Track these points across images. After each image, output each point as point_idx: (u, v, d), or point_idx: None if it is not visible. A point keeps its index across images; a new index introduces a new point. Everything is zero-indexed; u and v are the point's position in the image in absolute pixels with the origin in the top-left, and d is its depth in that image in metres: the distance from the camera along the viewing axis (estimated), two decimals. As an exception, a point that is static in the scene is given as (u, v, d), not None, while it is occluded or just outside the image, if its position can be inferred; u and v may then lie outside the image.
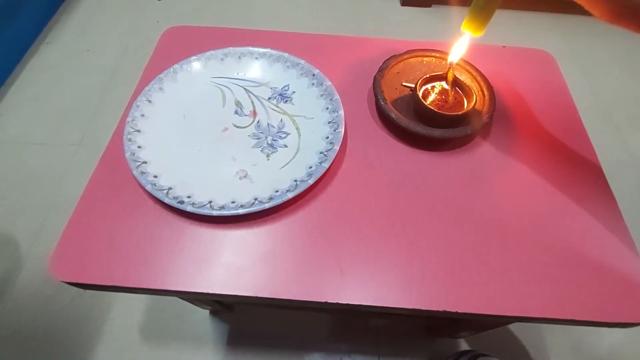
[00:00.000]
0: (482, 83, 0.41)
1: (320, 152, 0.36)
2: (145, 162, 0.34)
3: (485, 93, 0.40)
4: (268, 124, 0.39)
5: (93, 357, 0.74)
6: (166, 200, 0.32)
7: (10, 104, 1.12)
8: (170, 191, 0.33)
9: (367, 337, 0.75)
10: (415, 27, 1.33)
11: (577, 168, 0.38)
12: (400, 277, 0.31)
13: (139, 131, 0.37)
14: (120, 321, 0.77)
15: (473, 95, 0.38)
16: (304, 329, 0.76)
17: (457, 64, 0.40)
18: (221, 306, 0.70)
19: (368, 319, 0.76)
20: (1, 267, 0.83)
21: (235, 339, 0.76)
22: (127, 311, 0.78)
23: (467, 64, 0.42)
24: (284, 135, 0.38)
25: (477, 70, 0.42)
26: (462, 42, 0.38)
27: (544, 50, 0.48)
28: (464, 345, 0.75)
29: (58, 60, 1.23)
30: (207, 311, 0.78)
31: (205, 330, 0.76)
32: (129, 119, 0.37)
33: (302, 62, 0.42)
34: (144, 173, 0.33)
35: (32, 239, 0.87)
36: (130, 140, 0.35)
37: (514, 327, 0.76)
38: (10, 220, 0.90)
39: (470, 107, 0.37)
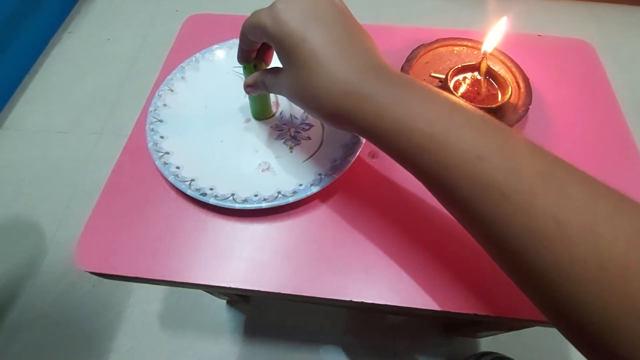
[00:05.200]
0: (517, 74, 0.39)
1: (345, 145, 0.34)
2: (167, 153, 0.34)
3: (521, 85, 0.38)
4: (291, 115, 0.38)
5: (113, 342, 0.76)
6: (189, 192, 0.31)
7: (34, 92, 1.15)
8: (192, 183, 0.32)
9: (383, 332, 0.74)
10: (439, 16, 1.29)
11: (618, 168, 0.35)
12: (428, 278, 0.29)
13: (161, 121, 0.36)
14: (139, 308, 0.79)
15: (508, 87, 0.36)
16: (320, 322, 0.76)
17: (490, 53, 0.38)
18: (238, 297, 0.70)
19: (385, 315, 0.75)
20: (26, 253, 0.85)
21: (251, 330, 0.76)
22: (146, 299, 0.80)
23: (500, 53, 0.40)
24: (307, 127, 0.37)
25: (511, 60, 0.40)
26: (496, 30, 0.36)
27: (583, 40, 0.45)
28: (482, 346, 0.73)
29: (80, 49, 1.25)
30: (224, 301, 0.78)
31: (222, 319, 0.77)
32: (151, 108, 0.37)
33: (327, 51, 0.40)
34: (167, 164, 0.33)
35: (55, 226, 0.89)
36: (152, 130, 0.35)
37: (536, 328, 0.74)
38: (35, 207, 0.92)
39: (505, 99, 0.35)
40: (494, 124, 0.21)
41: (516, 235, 0.18)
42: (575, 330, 0.18)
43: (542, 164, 0.19)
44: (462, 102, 0.22)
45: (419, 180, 0.23)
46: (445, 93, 0.22)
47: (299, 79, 0.24)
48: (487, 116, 0.21)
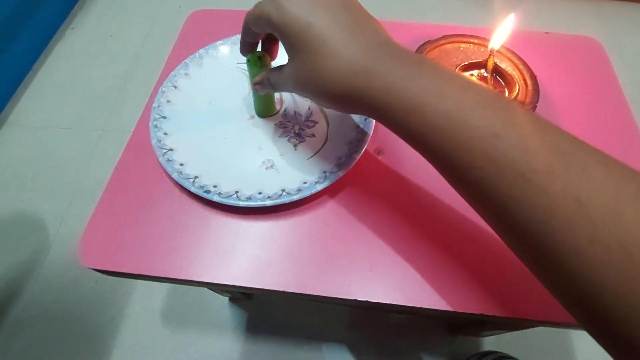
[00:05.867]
0: (524, 71, 0.38)
1: (350, 143, 0.34)
2: (171, 150, 0.34)
3: (528, 82, 0.37)
4: (295, 112, 0.38)
5: (116, 339, 0.76)
6: (192, 189, 0.31)
7: (37, 89, 1.15)
8: (196, 180, 0.32)
9: (387, 330, 0.74)
10: (444, 12, 1.27)
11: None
12: (434, 277, 0.29)
13: (164, 117, 0.36)
14: (141, 305, 0.79)
15: (515, 84, 0.36)
16: (323, 320, 0.76)
17: (497, 50, 0.37)
18: (241, 294, 0.70)
19: (388, 313, 0.75)
20: (29, 249, 0.85)
21: (253, 326, 0.76)
22: (149, 295, 0.80)
23: (507, 50, 0.39)
24: (312, 124, 0.37)
25: (518, 57, 0.39)
26: (504, 27, 0.36)
27: (591, 37, 0.45)
28: (486, 345, 0.73)
29: (83, 45, 1.25)
30: (226, 298, 0.78)
31: (224, 316, 0.77)
32: (154, 104, 0.36)
33: (331, 47, 0.40)
34: (171, 161, 0.33)
35: (58, 222, 0.89)
36: (156, 126, 0.35)
37: (540, 327, 0.73)
38: (38, 203, 0.92)
39: (512, 97, 0.35)
40: (509, 102, 0.20)
41: (534, 217, 0.18)
42: (594, 317, 0.18)
43: (560, 143, 0.18)
44: (473, 79, 0.21)
45: (431, 162, 0.22)
46: (455, 71, 0.22)
47: (305, 64, 0.24)
48: (501, 94, 0.21)
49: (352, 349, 0.73)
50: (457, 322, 0.71)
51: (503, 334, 0.69)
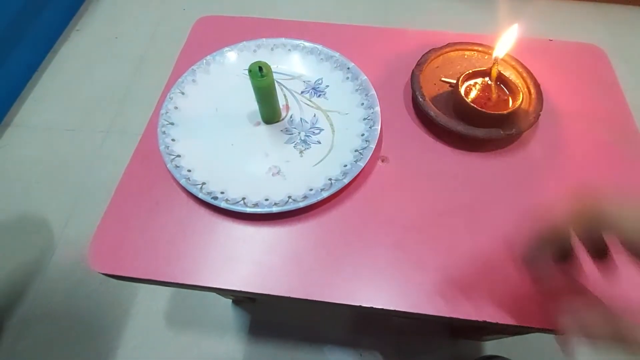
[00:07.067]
0: (528, 80, 0.38)
1: (356, 150, 0.35)
2: (179, 156, 0.34)
3: (532, 90, 0.38)
4: (301, 119, 0.38)
5: (120, 339, 0.76)
6: (200, 196, 0.32)
7: (42, 90, 1.16)
8: (204, 186, 0.32)
9: (389, 333, 0.74)
10: (446, 16, 1.28)
11: (630, 174, 0.35)
12: (438, 284, 0.30)
13: (172, 124, 0.36)
14: (145, 306, 0.79)
15: (519, 92, 0.36)
16: (325, 322, 0.76)
17: (501, 59, 0.38)
18: (244, 297, 0.71)
19: (390, 317, 0.75)
20: (35, 249, 0.86)
21: (256, 329, 0.76)
22: (152, 297, 0.80)
23: (511, 58, 0.40)
24: (318, 131, 0.37)
25: (522, 65, 0.40)
26: (508, 35, 0.36)
27: (593, 44, 0.45)
28: (487, 348, 0.73)
29: (88, 47, 1.25)
30: (230, 300, 0.79)
31: (227, 318, 0.78)
32: (162, 111, 0.37)
33: (337, 54, 0.41)
34: (178, 167, 0.33)
35: (63, 223, 0.89)
36: (164, 133, 0.35)
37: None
38: (43, 204, 0.93)
39: (516, 105, 0.35)
40: None
41: None
42: None
43: None
44: None
45: None
46: None
47: None
48: None
49: (354, 350, 0.73)
50: (459, 326, 0.71)
51: (504, 338, 0.69)
